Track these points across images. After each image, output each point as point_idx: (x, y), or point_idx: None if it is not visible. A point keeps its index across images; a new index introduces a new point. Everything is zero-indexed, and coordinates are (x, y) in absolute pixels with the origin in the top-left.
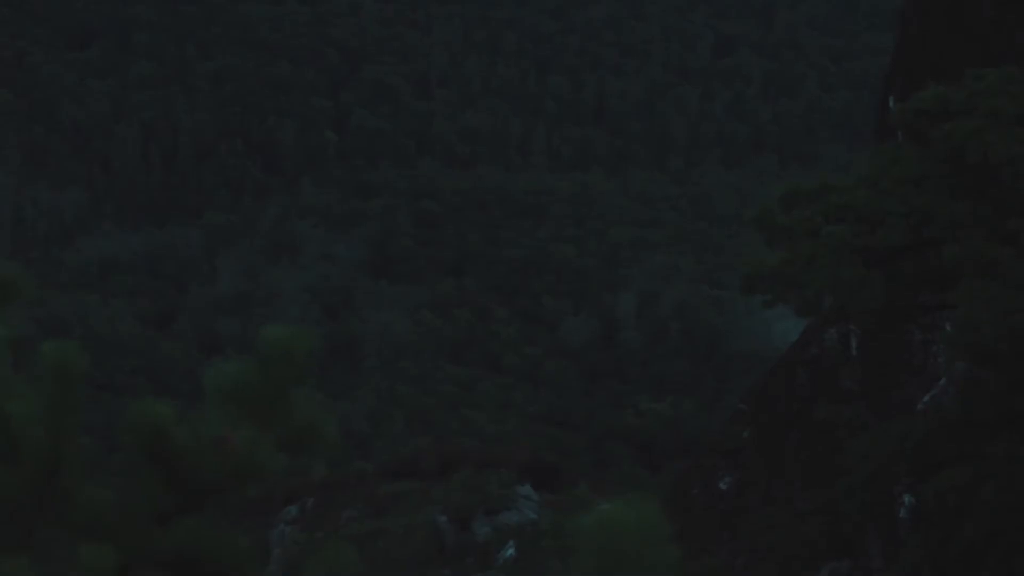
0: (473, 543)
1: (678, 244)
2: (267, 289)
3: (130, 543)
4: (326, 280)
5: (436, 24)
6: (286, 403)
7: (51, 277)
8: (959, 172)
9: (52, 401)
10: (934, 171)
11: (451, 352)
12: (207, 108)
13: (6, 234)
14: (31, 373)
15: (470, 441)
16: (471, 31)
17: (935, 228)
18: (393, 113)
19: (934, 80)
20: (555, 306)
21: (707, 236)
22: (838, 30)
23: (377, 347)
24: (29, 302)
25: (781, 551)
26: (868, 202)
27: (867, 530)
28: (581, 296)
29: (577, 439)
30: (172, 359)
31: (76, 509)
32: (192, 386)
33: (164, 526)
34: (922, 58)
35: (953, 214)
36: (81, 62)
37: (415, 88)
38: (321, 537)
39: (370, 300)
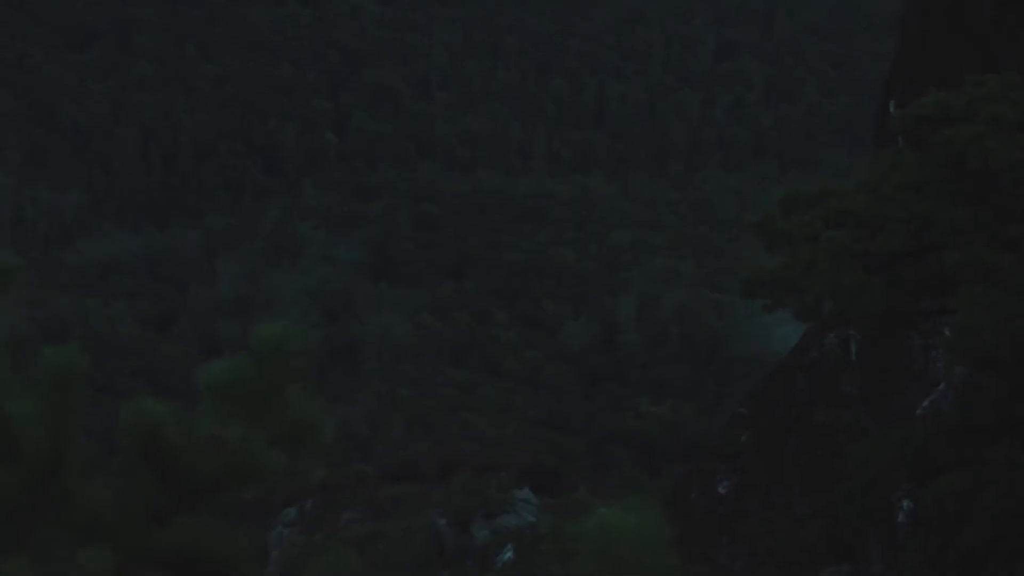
0: (472, 546)
1: (678, 248)
2: (267, 291)
3: (128, 543)
4: (326, 283)
5: (437, 27)
6: (281, 400)
7: (51, 278)
8: (960, 178)
9: (52, 403)
10: (935, 177)
11: (451, 355)
12: (207, 109)
13: (6, 235)
14: (32, 374)
15: (470, 444)
16: (472, 34)
17: (935, 234)
18: (394, 116)
19: (935, 85)
20: (555, 310)
21: (707, 240)
22: (838, 35)
23: (377, 350)
24: (27, 300)
25: (780, 555)
26: (868, 207)
27: (866, 535)
28: (581, 300)
29: (577, 443)
30: (172, 361)
31: (75, 509)
32: (192, 388)
33: (162, 525)
34: (923, 63)
35: (954, 220)
36: (82, 63)
37: (416, 91)
38: (320, 539)
39: (370, 303)
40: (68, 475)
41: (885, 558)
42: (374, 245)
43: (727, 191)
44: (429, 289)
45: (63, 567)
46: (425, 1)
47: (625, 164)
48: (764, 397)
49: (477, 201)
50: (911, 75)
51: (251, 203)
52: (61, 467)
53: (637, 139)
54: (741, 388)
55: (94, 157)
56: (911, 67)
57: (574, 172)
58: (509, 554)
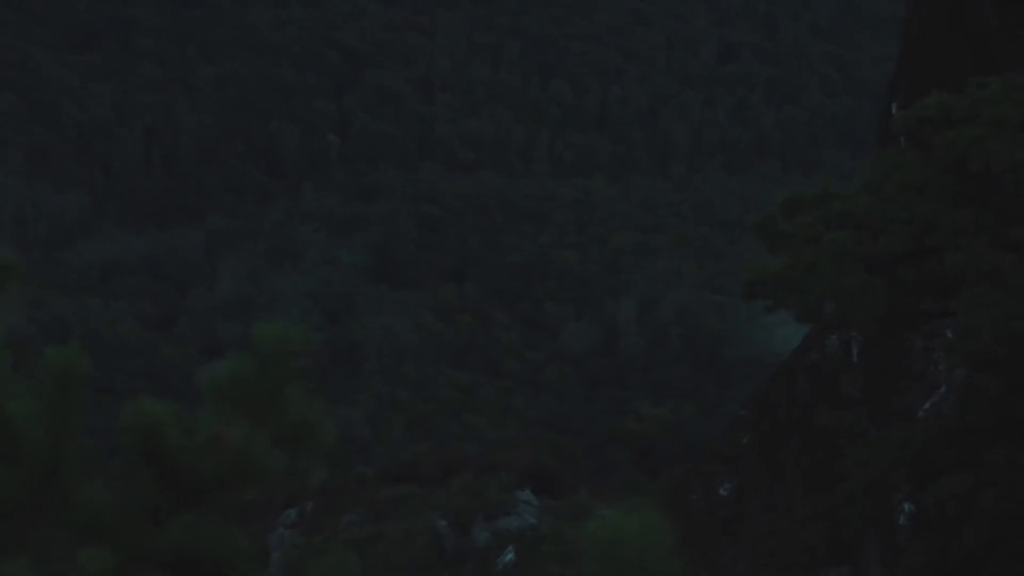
0: (473, 548)
1: (680, 250)
2: (268, 293)
3: (128, 543)
4: (327, 284)
5: (439, 29)
6: (281, 400)
7: (53, 278)
8: (962, 180)
9: (53, 403)
10: (937, 178)
11: (452, 357)
12: (209, 111)
13: (8, 235)
14: (33, 375)
15: (471, 446)
16: (474, 36)
17: (937, 236)
18: (395, 117)
19: (937, 87)
20: (556, 311)
21: (709, 242)
22: (840, 37)
23: (378, 352)
24: (28, 300)
25: (781, 557)
26: (870, 209)
27: (867, 537)
28: (582, 302)
29: (578, 444)
30: (173, 362)
31: (75, 509)
32: (193, 389)
33: (162, 525)
34: (925, 65)
35: (956, 222)
36: (83, 65)
37: (418, 93)
38: (320, 541)
39: (371, 305)
40: (68, 475)
41: (885, 560)
42: (376, 246)
43: (729, 193)
44: (430, 290)
45: (63, 567)
46: (427, 3)
47: (627, 166)
48: (765, 399)
49: (479, 203)
50: (913, 77)
51: (253, 204)
52: (61, 467)
53: (639, 141)
54: (742, 390)
55: (96, 158)
56: (913, 69)
57: (576, 174)
58: (510, 556)
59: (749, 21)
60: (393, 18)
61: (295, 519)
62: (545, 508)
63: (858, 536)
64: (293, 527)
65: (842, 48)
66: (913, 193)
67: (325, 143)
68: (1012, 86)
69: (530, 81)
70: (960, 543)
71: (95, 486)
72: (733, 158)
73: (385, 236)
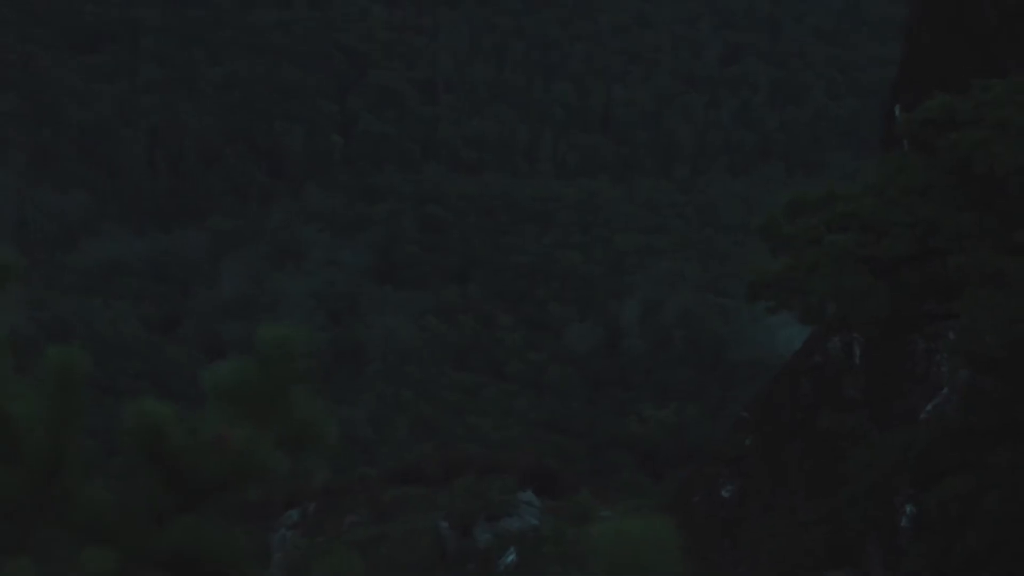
0: (474, 549)
1: (683, 251)
2: (272, 294)
3: (130, 543)
4: (331, 285)
5: (443, 30)
6: (285, 401)
7: (55, 279)
8: (965, 182)
9: (54, 403)
10: (940, 181)
11: (455, 358)
12: (213, 112)
13: (11, 236)
14: (34, 375)
15: (473, 447)
16: (478, 37)
17: (941, 238)
18: (399, 118)
19: (940, 90)
20: (560, 313)
21: (712, 244)
22: (844, 39)
23: (381, 353)
24: (30, 301)
25: (783, 559)
26: (874, 211)
27: (869, 539)
28: (586, 303)
29: (580, 446)
30: (176, 363)
31: (76, 509)
32: (196, 390)
33: (163, 526)
34: (928, 67)
35: (959, 224)
36: (87, 65)
37: (422, 93)
38: (323, 542)
39: (375, 305)
40: (69, 475)
41: (888, 562)
42: (379, 247)
43: (733, 195)
44: (434, 291)
45: (64, 567)
46: (431, 4)
47: (631, 167)
48: (768, 401)
49: (483, 204)
50: (917, 79)
51: (256, 206)
52: (62, 467)
53: (643, 143)
54: (745, 392)
55: (99, 159)
56: (916, 71)
57: (580, 175)
58: (511, 557)
59: (752, 23)
60: (396, 19)
61: (297, 520)
62: (547, 509)
63: (860, 538)
64: (295, 528)
65: (845, 50)
66: (916, 195)
67: (328, 144)
68: (1016, 89)
69: (534, 82)
70: (963, 545)
71: (96, 486)
72: (737, 160)
73: (388, 237)
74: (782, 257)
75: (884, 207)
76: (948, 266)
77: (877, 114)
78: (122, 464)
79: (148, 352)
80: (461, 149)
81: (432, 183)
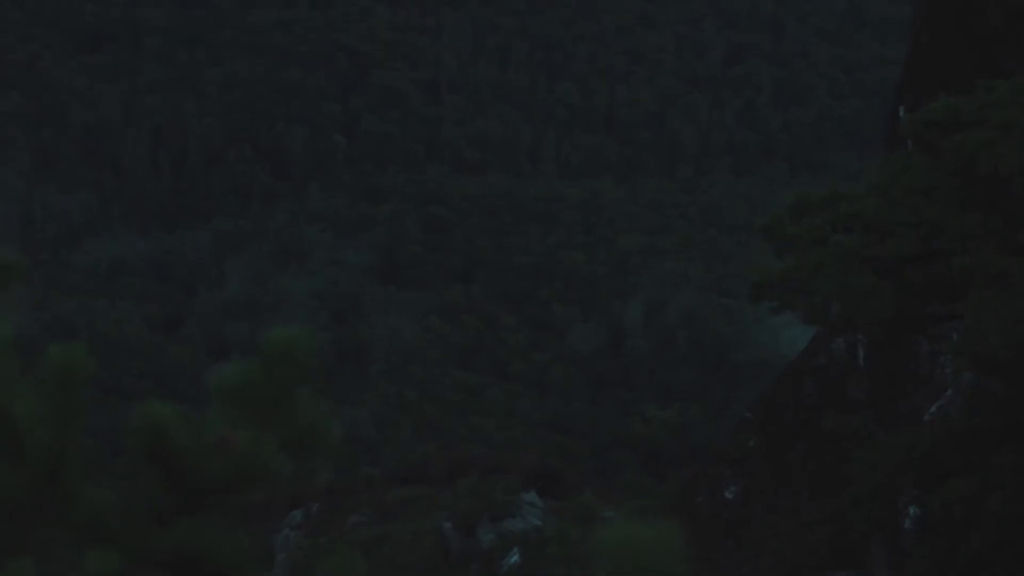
0: (478, 550)
1: (687, 252)
2: (275, 294)
3: (132, 544)
4: (334, 285)
5: (446, 30)
6: (290, 404)
7: (59, 280)
8: (969, 183)
9: (56, 403)
10: (944, 182)
11: (459, 358)
12: (216, 113)
13: (15, 236)
14: (37, 374)
15: (477, 447)
16: (481, 37)
17: (945, 239)
18: (402, 118)
19: (944, 91)
20: (563, 313)
21: (716, 244)
22: (847, 40)
23: (385, 353)
24: (34, 301)
25: (786, 561)
26: (878, 212)
27: (873, 541)
28: (589, 303)
29: (583, 446)
30: (180, 363)
31: (77, 510)
32: (199, 390)
33: (166, 527)
34: (932, 68)
35: (963, 225)
36: (91, 66)
37: (425, 93)
38: (326, 542)
39: (378, 306)
40: (71, 475)
41: (892, 564)
42: (382, 248)
43: (736, 195)
44: (437, 292)
45: (65, 568)
46: (434, 4)
47: (634, 168)
48: (771, 401)
49: (486, 204)
50: (920, 80)
51: (259, 206)
52: (64, 467)
53: (646, 143)
54: (748, 392)
55: (103, 159)
56: (920, 72)
57: (583, 175)
58: (515, 558)
59: (756, 23)
60: (399, 19)
61: (301, 520)
62: (550, 510)
63: (864, 540)
64: (299, 528)
65: (849, 51)
66: (921, 196)
67: (331, 144)
68: (1020, 89)
69: (537, 82)
70: (967, 547)
71: (98, 487)
72: (740, 160)
73: (392, 237)
74: (786, 257)
75: (888, 208)
76: (952, 267)
77: (881, 115)
78: (126, 464)
79: (151, 352)
80: (464, 149)
81: (435, 183)
